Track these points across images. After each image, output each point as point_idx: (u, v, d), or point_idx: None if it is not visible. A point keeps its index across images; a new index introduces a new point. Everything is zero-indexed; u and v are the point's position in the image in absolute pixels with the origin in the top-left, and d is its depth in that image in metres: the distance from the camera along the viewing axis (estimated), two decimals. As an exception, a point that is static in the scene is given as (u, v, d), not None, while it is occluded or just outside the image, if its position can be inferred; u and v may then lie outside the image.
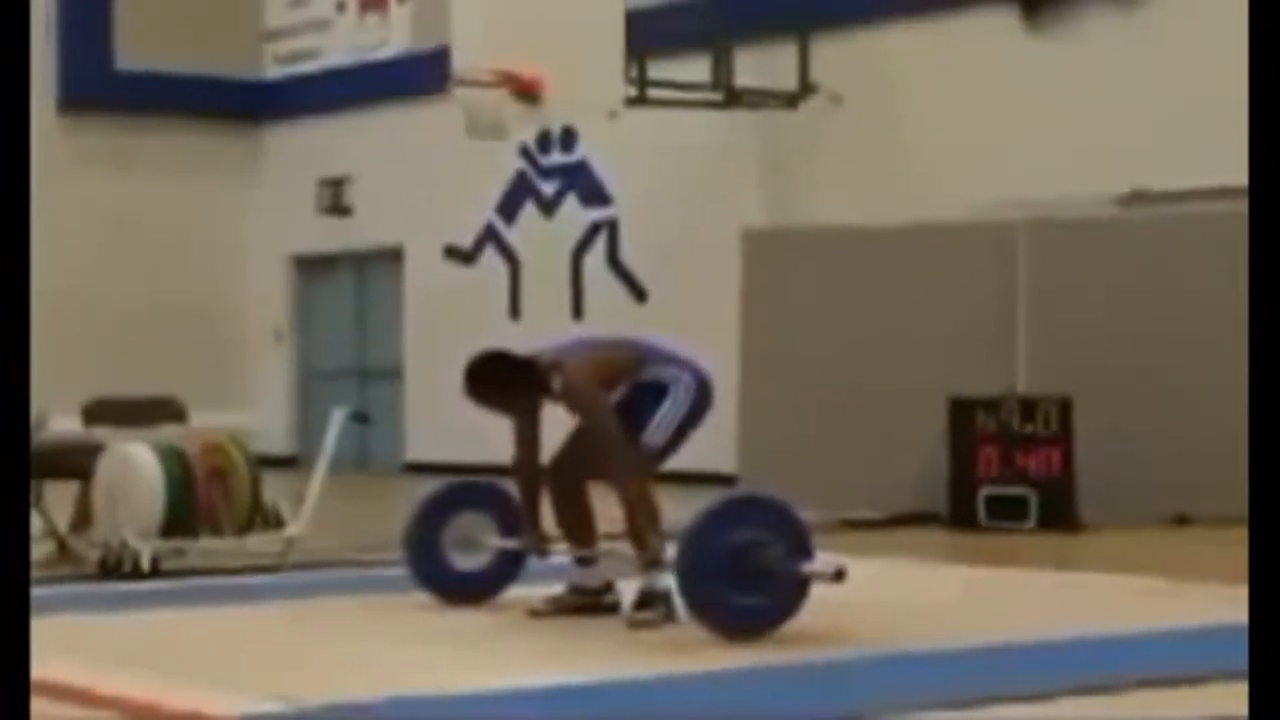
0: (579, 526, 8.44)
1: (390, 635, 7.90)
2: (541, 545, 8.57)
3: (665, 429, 8.16)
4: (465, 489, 8.98)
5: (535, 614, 8.31)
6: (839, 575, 7.58)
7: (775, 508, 7.76)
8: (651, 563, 8.02)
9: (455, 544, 8.72)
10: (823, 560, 7.74)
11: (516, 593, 8.65)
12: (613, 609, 8.32)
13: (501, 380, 8.23)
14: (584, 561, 8.44)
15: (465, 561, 8.76)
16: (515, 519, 8.68)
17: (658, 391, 8.20)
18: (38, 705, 5.89)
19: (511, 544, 8.71)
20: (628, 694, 6.46)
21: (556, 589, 8.46)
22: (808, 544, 7.72)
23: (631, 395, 8.24)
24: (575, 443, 8.38)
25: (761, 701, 6.31)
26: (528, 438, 8.44)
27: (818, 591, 7.69)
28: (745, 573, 7.56)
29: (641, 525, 8.04)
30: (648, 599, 8.06)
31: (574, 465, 8.38)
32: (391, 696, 6.25)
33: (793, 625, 7.62)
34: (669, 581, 7.94)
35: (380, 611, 8.64)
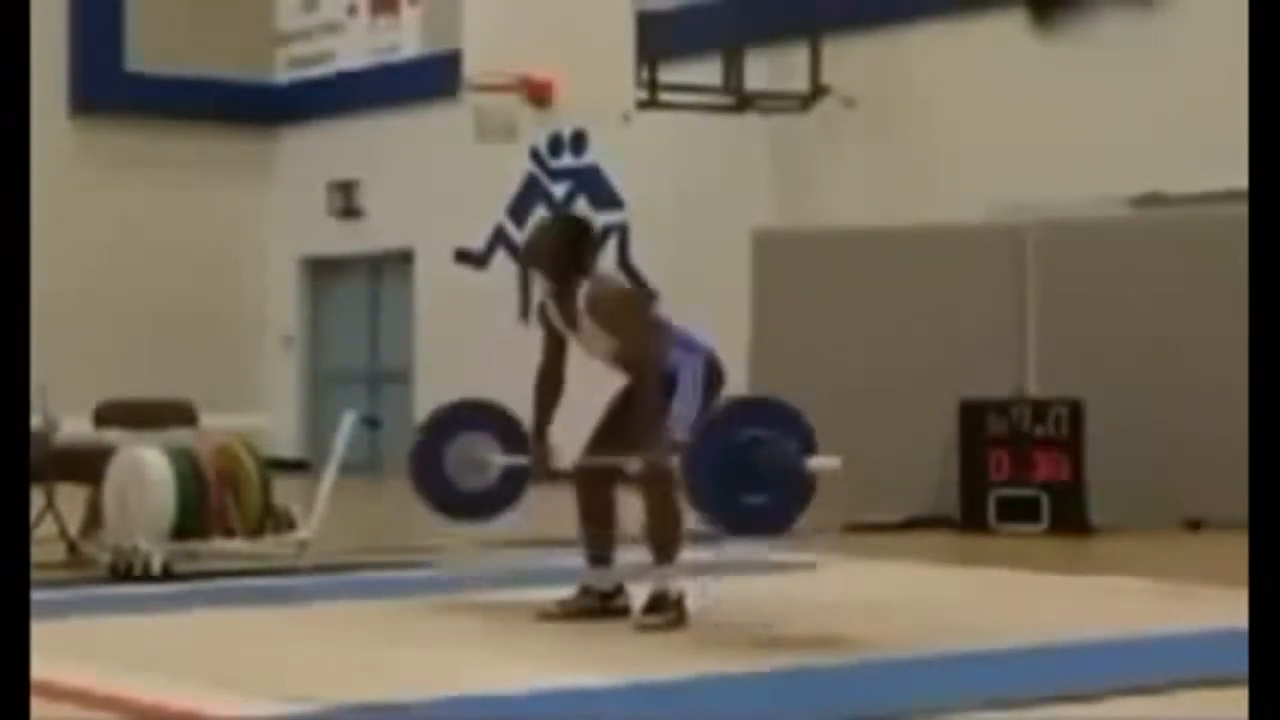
0: (603, 526, 8.41)
1: (403, 638, 7.91)
2: (547, 464, 8.53)
3: (685, 422, 8.08)
4: (467, 409, 8.98)
5: (546, 616, 8.31)
6: (838, 467, 7.61)
7: (780, 408, 7.74)
8: (664, 557, 8.00)
9: (459, 463, 8.72)
10: (822, 458, 7.72)
11: (528, 596, 8.65)
12: (623, 612, 8.32)
13: (563, 248, 8.24)
14: (599, 561, 8.42)
15: (470, 481, 8.76)
16: (518, 438, 8.68)
17: (667, 382, 8.07)
18: (48, 708, 5.91)
19: (516, 461, 8.69)
20: (650, 697, 6.45)
21: (567, 591, 8.46)
22: (813, 442, 7.69)
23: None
24: (606, 428, 8.34)
25: (789, 704, 6.31)
26: (554, 353, 8.44)
27: (831, 594, 7.70)
28: (751, 471, 7.55)
29: (663, 527, 8.01)
30: (658, 603, 8.05)
31: (607, 449, 8.30)
32: (408, 698, 6.27)
33: (809, 628, 7.61)
34: (681, 586, 7.94)
35: (392, 614, 8.65)
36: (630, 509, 8.31)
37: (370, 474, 19.13)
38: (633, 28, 15.35)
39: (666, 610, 8.00)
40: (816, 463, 7.60)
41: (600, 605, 8.35)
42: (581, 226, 8.55)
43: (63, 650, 7.02)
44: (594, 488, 8.38)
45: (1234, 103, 11.27)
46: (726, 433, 7.55)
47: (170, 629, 8.29)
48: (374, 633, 8.07)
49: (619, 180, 19.31)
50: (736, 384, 14.32)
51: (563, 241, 8.31)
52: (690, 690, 6.57)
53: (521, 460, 8.66)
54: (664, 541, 8.03)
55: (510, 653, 7.54)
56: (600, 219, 19.43)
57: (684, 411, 7.96)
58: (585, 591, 8.42)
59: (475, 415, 8.90)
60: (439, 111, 19.46)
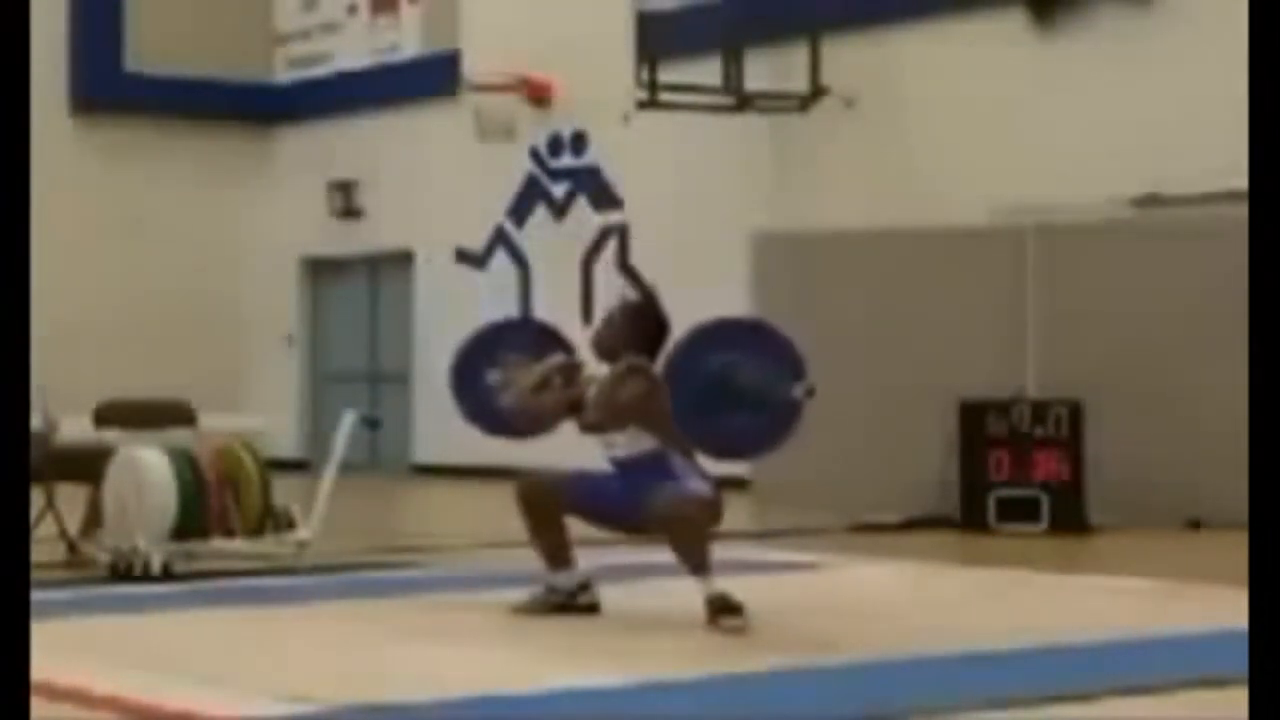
0: (554, 534, 8.40)
1: (403, 638, 7.90)
2: (572, 365, 8.51)
3: (703, 489, 8.03)
4: (505, 329, 9.01)
5: (516, 611, 8.38)
6: (809, 392, 7.62)
7: (758, 330, 7.75)
8: (701, 569, 7.98)
9: (500, 383, 8.72)
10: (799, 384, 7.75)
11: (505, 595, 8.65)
12: (590, 609, 8.35)
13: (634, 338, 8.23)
14: (559, 564, 8.44)
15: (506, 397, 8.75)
16: (559, 350, 8.73)
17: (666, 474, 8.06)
18: (47, 708, 5.91)
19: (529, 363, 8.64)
20: (651, 696, 6.45)
21: (535, 589, 8.47)
22: (798, 365, 7.67)
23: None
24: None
25: (789, 704, 6.31)
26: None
27: (832, 594, 7.69)
28: (730, 394, 7.54)
29: (692, 554, 7.95)
30: (724, 604, 7.88)
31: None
32: (408, 698, 6.27)
33: (812, 629, 7.58)
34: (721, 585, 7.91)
35: (392, 614, 8.65)
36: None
37: (369, 473, 19.15)
38: (633, 28, 15.38)
39: (738, 609, 7.88)
40: (799, 388, 7.61)
41: (567, 602, 8.37)
42: (651, 313, 8.45)
43: (62, 650, 7.02)
44: (539, 503, 8.37)
45: (1234, 103, 11.29)
46: (703, 356, 7.56)
47: (170, 629, 8.28)
48: (374, 633, 8.06)
49: (619, 180, 19.31)
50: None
51: (631, 325, 8.30)
52: (690, 690, 6.57)
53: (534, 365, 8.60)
54: (690, 553, 7.96)
55: (511, 652, 7.53)
56: (600, 219, 19.46)
57: (696, 488, 7.97)
58: (551, 590, 8.43)
59: (511, 336, 8.92)
60: (439, 111, 19.51)
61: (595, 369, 8.41)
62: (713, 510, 8.00)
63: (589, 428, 8.19)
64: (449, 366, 8.99)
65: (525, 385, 8.41)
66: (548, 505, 8.35)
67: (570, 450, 8.73)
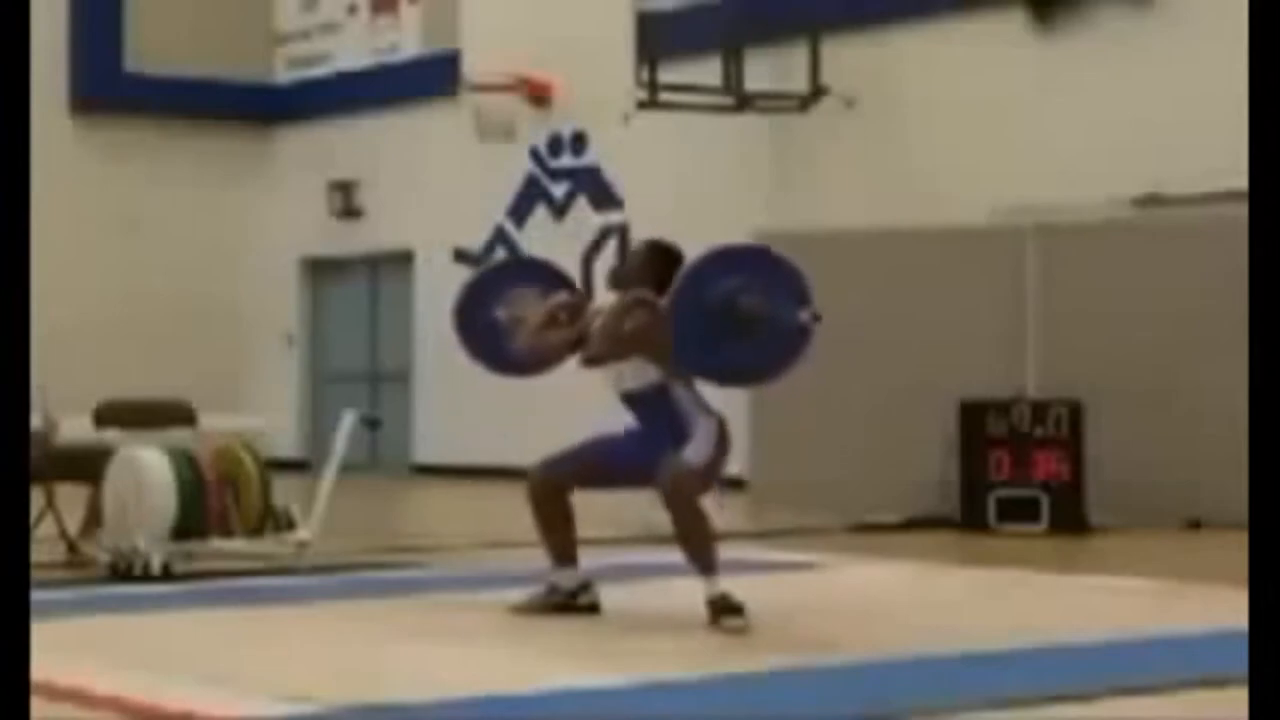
0: (562, 532, 8.40)
1: (403, 637, 7.90)
2: (577, 303, 8.52)
3: (702, 452, 8.06)
4: (508, 269, 9.03)
5: (516, 611, 8.38)
6: (816, 317, 7.68)
7: (765, 256, 7.79)
8: (709, 569, 7.97)
9: (507, 320, 8.74)
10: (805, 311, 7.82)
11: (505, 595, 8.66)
12: (590, 609, 8.34)
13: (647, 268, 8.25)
14: (564, 562, 8.43)
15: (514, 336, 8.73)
16: (564, 288, 8.74)
17: (680, 434, 8.08)
18: (48, 708, 5.91)
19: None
20: (651, 696, 6.44)
21: (535, 589, 8.47)
22: (805, 293, 7.74)
23: (652, 428, 8.19)
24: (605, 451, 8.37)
25: (789, 704, 6.30)
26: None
27: (831, 594, 7.69)
28: (735, 322, 7.60)
29: (693, 539, 7.95)
30: (726, 604, 7.89)
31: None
32: (408, 698, 6.27)
33: (812, 629, 7.56)
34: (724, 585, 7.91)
35: (392, 614, 8.65)
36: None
37: (369, 472, 19.15)
38: (633, 28, 15.38)
39: (739, 609, 7.88)
40: (805, 313, 7.64)
41: (567, 602, 8.37)
42: (669, 253, 8.43)
43: (62, 650, 7.02)
44: (549, 500, 8.37)
45: (1234, 103, 11.30)
46: (708, 282, 7.59)
47: (170, 629, 8.28)
48: (374, 633, 8.06)
49: (619, 180, 19.31)
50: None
51: (648, 263, 8.32)
52: (690, 690, 6.57)
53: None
54: (697, 551, 7.97)
55: (511, 652, 7.53)
56: (600, 219, 19.46)
57: (693, 457, 7.97)
58: (552, 590, 8.43)
59: (517, 273, 8.95)
60: (439, 111, 19.51)
61: (600, 303, 8.43)
62: (706, 476, 8.01)
63: (592, 360, 8.22)
64: (453, 306, 8.97)
65: (533, 324, 8.46)
66: (557, 503, 8.37)
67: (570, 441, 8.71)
